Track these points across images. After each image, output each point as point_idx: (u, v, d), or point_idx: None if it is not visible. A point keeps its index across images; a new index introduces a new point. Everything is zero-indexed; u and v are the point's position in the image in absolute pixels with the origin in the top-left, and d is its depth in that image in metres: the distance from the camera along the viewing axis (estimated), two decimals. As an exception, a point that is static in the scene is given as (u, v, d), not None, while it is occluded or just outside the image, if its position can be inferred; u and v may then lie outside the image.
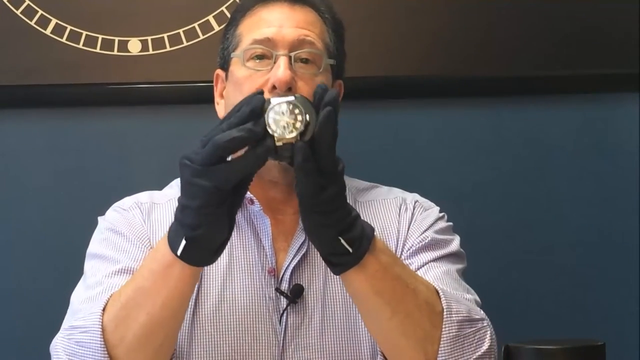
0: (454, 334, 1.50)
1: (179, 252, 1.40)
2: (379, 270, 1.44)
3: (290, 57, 1.64)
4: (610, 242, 2.17)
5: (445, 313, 1.50)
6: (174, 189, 1.76)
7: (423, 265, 1.66)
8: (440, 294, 1.52)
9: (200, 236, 1.39)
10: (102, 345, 1.47)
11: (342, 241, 1.40)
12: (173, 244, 1.41)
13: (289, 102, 1.36)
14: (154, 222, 1.69)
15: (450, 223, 1.77)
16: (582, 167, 2.18)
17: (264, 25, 1.68)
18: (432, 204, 1.78)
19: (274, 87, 1.62)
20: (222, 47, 1.75)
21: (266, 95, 1.61)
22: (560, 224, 2.17)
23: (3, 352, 2.12)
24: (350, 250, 1.41)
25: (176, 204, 1.68)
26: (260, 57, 1.66)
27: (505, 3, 2.16)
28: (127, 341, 1.46)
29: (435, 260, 1.67)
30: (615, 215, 2.17)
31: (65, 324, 1.59)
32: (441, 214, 1.76)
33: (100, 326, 1.47)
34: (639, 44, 2.16)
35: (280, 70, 1.62)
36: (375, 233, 1.46)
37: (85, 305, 1.58)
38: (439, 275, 1.63)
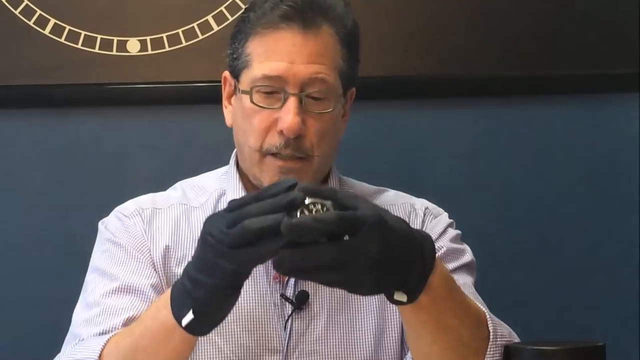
0: (497, 358, 1.48)
1: (183, 324, 1.37)
2: (428, 306, 1.38)
3: (300, 97, 1.60)
4: (610, 242, 2.17)
5: (491, 337, 1.47)
6: (177, 191, 1.74)
7: None
8: (488, 318, 1.49)
9: (210, 312, 1.37)
10: None
11: (397, 295, 1.34)
12: (177, 312, 1.38)
13: (323, 205, 1.28)
14: (154, 231, 1.68)
15: (459, 231, 1.75)
16: (582, 167, 2.18)
17: (275, 57, 1.61)
18: (441, 210, 1.76)
19: (281, 132, 1.60)
20: (230, 54, 1.68)
21: (275, 136, 1.60)
22: (560, 224, 2.17)
23: (3, 352, 2.11)
24: (406, 300, 1.35)
25: (179, 208, 1.69)
26: (269, 93, 1.61)
27: (505, 3, 2.16)
28: None
29: (452, 271, 1.65)
30: (615, 215, 2.17)
31: (66, 347, 1.59)
32: (450, 221, 1.74)
33: None
34: (639, 44, 2.16)
35: (290, 117, 1.58)
36: (436, 260, 1.37)
37: (84, 329, 1.57)
38: None
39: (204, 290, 1.35)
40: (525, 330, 2.09)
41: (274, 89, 1.61)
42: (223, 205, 1.68)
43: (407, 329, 1.47)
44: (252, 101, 1.61)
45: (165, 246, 1.65)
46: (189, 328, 1.38)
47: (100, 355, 1.47)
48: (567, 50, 2.17)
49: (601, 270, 2.17)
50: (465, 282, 1.65)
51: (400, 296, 1.34)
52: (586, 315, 2.16)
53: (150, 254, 1.65)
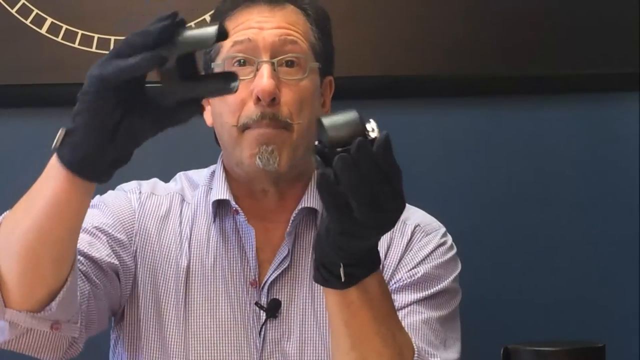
0: None
1: (55, 144, 1.32)
2: (354, 303, 1.38)
3: (273, 64, 1.60)
4: (610, 242, 2.16)
5: None
6: (177, 184, 1.75)
7: (405, 307, 1.60)
8: (415, 356, 1.46)
9: (75, 129, 1.29)
10: None
11: (341, 270, 1.34)
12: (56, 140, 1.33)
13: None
14: (146, 211, 1.69)
15: (454, 251, 1.70)
16: (582, 167, 2.17)
17: (243, 27, 1.63)
18: (437, 226, 1.71)
19: (258, 99, 1.59)
20: (204, 56, 1.70)
21: (251, 108, 1.59)
22: (560, 224, 2.16)
23: (3, 351, 2.11)
24: (342, 279, 1.35)
25: (176, 198, 1.70)
26: (242, 63, 1.62)
27: (505, 3, 2.15)
28: (8, 244, 1.38)
29: (418, 302, 1.61)
30: (615, 215, 2.16)
31: None
32: (443, 240, 1.69)
33: None
34: (639, 44, 2.15)
35: (263, 80, 1.58)
36: (378, 269, 1.38)
37: None
38: (417, 325, 1.57)
39: (78, 107, 1.30)
40: (524, 331, 2.09)
41: (246, 58, 1.61)
42: (208, 204, 1.69)
43: (331, 328, 1.44)
44: None
45: (149, 231, 1.66)
46: (60, 152, 1.32)
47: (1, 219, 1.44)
48: (567, 50, 2.16)
49: (601, 270, 2.16)
50: (428, 317, 1.60)
51: (342, 274, 1.33)
52: (586, 315, 2.15)
53: (127, 229, 1.65)
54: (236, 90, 1.29)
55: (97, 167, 1.32)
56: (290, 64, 1.62)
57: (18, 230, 1.38)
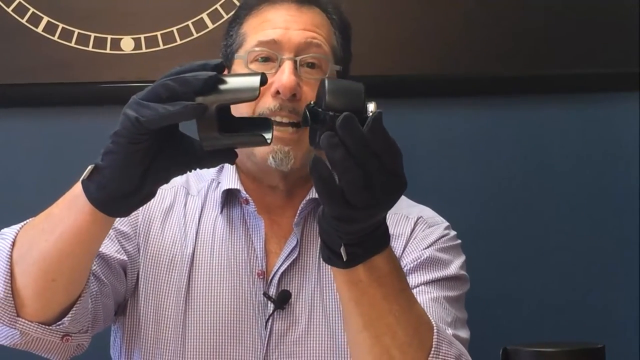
0: None
1: (82, 177, 1.34)
2: (363, 281, 1.35)
3: (295, 62, 1.61)
4: (610, 243, 2.16)
5: (432, 352, 1.41)
6: (182, 176, 1.73)
7: (413, 288, 1.58)
8: (435, 331, 1.43)
9: (105, 167, 1.31)
10: (8, 257, 1.43)
11: (342, 249, 1.32)
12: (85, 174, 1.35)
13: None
14: (151, 203, 1.66)
15: (457, 241, 1.71)
16: (582, 167, 2.17)
17: (270, 26, 1.64)
18: (440, 220, 1.72)
19: (277, 93, 1.59)
20: (224, 44, 1.70)
21: (269, 100, 1.59)
22: (560, 224, 2.16)
23: (3, 351, 2.10)
24: (345, 259, 1.33)
25: (181, 191, 1.70)
26: (265, 59, 1.62)
27: (504, 2, 2.15)
28: (25, 262, 1.41)
29: (426, 283, 1.61)
30: (615, 215, 2.16)
31: None
32: (446, 232, 1.69)
33: (13, 239, 1.44)
34: (639, 43, 2.14)
35: (285, 75, 1.59)
36: (386, 248, 1.36)
37: None
38: (427, 303, 1.57)
39: (108, 143, 1.31)
40: (524, 332, 2.08)
41: (269, 55, 1.62)
42: (216, 194, 1.69)
43: (342, 309, 1.42)
44: (247, 67, 1.62)
45: (153, 223, 1.67)
46: (85, 186, 1.34)
47: (18, 231, 1.46)
48: (567, 49, 2.16)
49: (601, 270, 2.15)
50: (437, 296, 1.60)
51: (343, 253, 1.31)
52: (586, 316, 2.14)
53: (132, 222, 1.66)
54: (271, 142, 1.31)
55: (122, 208, 1.36)
56: (311, 65, 1.62)
57: (36, 251, 1.41)
